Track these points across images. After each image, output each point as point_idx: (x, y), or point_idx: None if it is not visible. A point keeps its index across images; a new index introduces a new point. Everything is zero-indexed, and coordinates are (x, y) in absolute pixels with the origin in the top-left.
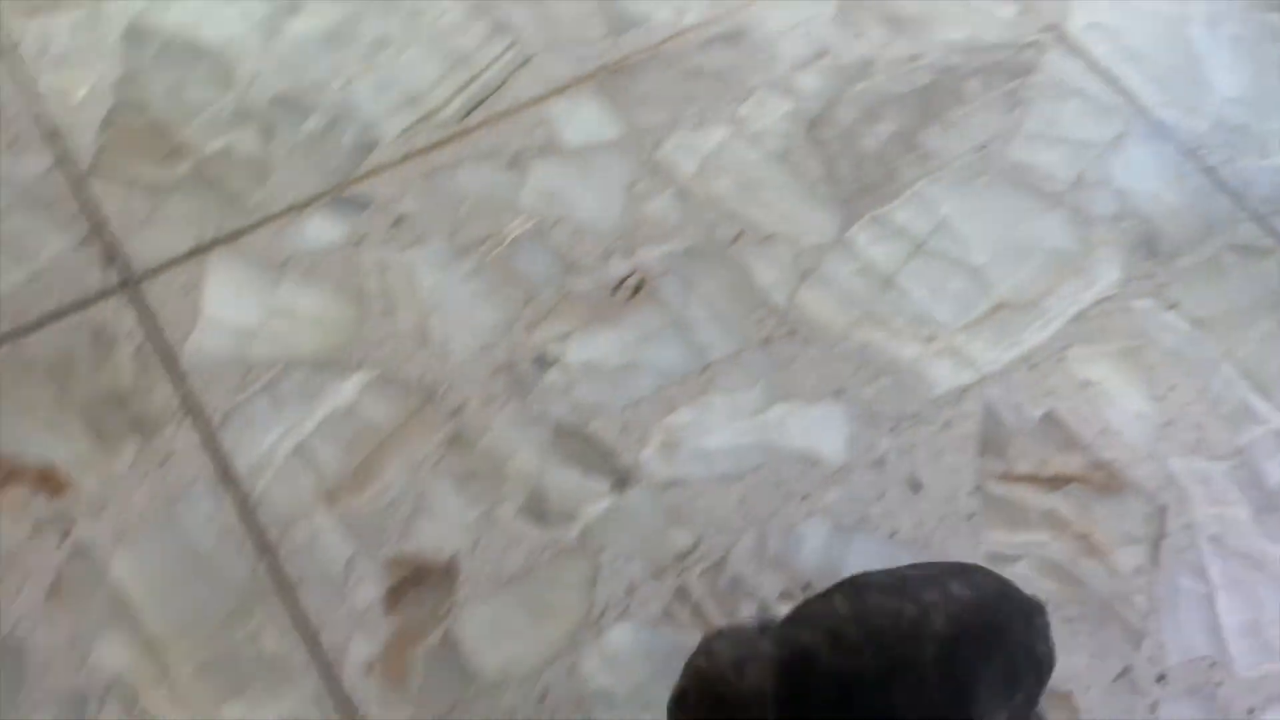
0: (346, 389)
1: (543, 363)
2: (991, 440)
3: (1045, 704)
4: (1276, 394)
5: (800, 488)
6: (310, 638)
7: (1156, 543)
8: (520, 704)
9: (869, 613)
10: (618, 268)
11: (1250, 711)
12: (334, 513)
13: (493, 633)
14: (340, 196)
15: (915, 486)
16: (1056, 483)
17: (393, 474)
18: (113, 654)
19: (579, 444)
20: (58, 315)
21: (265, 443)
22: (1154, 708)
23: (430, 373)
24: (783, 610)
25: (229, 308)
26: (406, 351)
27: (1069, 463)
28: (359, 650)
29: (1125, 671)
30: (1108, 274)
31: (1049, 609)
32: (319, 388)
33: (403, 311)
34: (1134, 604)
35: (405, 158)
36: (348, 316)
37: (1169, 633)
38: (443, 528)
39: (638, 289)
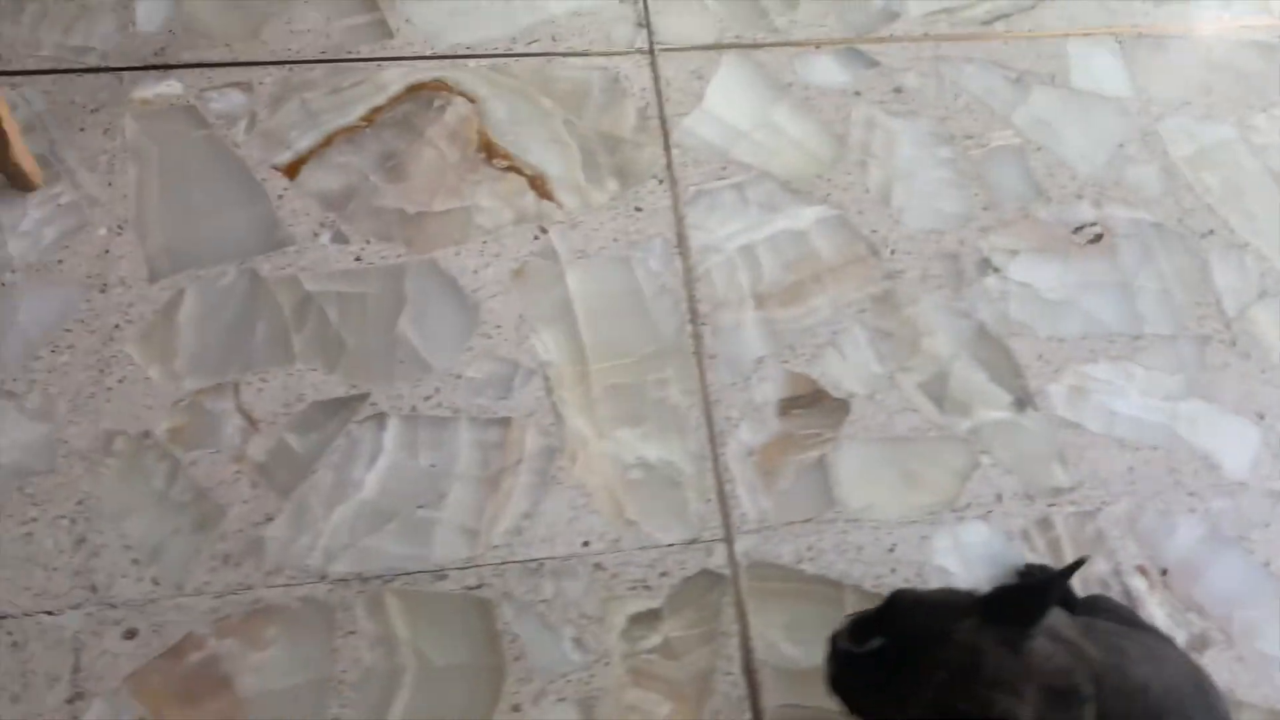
0: (805, 215)
1: (986, 266)
2: None
3: None
4: None
5: (1191, 484)
6: (708, 405)
7: None
8: (868, 545)
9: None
10: (1084, 212)
11: None
12: (760, 314)
13: (863, 476)
14: (855, 48)
15: None
16: None
17: (820, 303)
18: (549, 344)
19: (995, 352)
20: (587, 52)
21: (721, 232)
22: None
23: (881, 231)
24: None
25: (728, 105)
26: (867, 205)
27: None
28: (745, 435)
29: None
30: None
31: None
32: (782, 204)
33: (875, 169)
34: None
35: (924, 36)
36: (826, 154)
37: None
38: (848, 368)
39: (1097, 238)
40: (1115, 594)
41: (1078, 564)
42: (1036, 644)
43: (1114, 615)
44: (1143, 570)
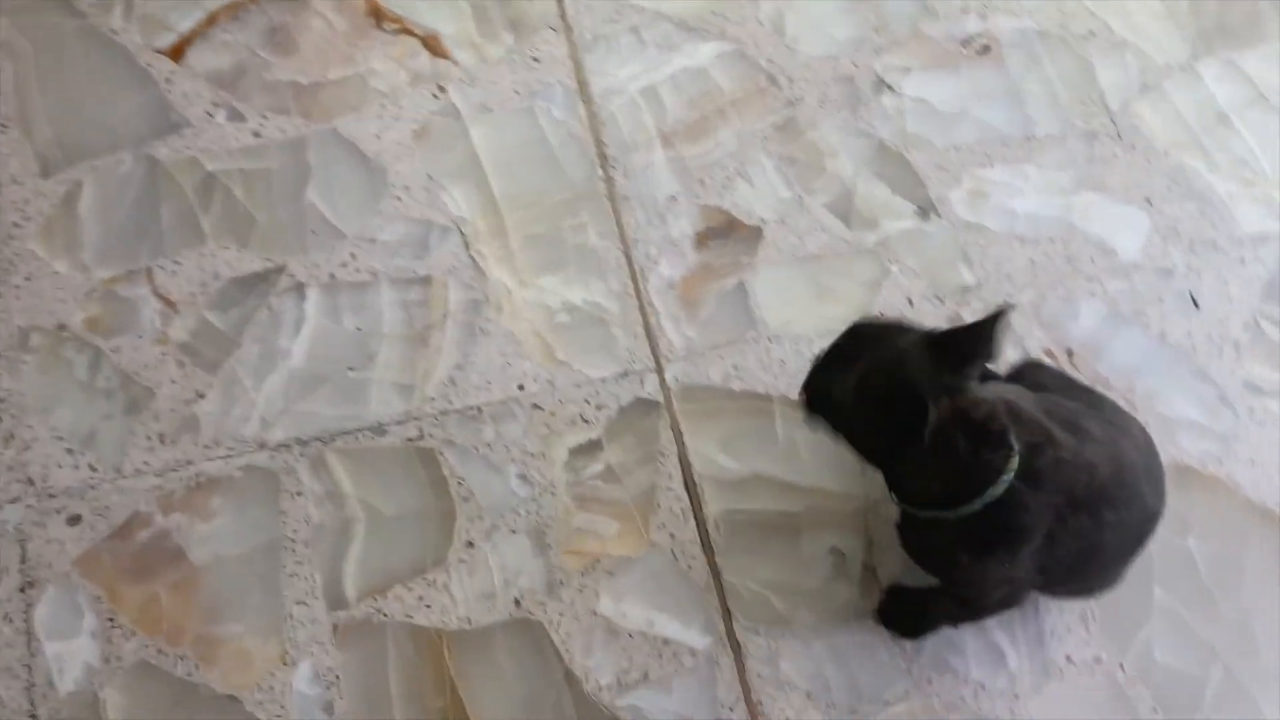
0: (703, 52)
1: (881, 86)
2: (1278, 288)
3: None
4: None
5: (1089, 270)
6: (626, 245)
7: None
8: (790, 358)
9: (1157, 466)
10: (972, 25)
11: None
12: (668, 152)
13: (780, 296)
14: None
15: (1194, 303)
16: None
17: (725, 137)
18: (460, 201)
19: (896, 166)
20: None
21: (622, 75)
22: None
23: (778, 61)
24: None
25: None
26: (762, 36)
27: None
28: (665, 269)
29: None
30: None
31: None
32: (679, 43)
33: (766, 2)
34: None
35: None
36: None
37: None
38: (757, 196)
39: (985, 49)
40: None
41: (1003, 311)
42: (970, 385)
43: (1060, 381)
44: (1050, 353)
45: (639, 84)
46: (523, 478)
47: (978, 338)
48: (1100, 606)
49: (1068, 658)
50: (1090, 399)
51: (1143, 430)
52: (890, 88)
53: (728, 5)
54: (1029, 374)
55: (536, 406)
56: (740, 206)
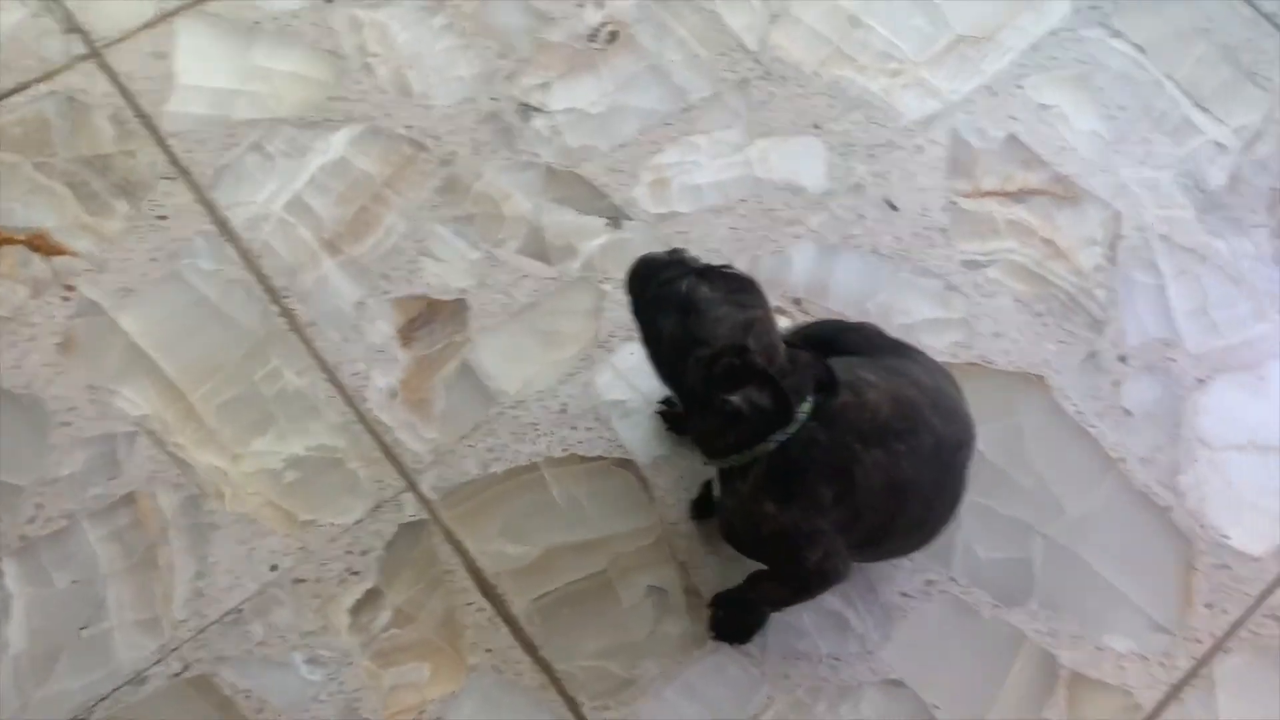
0: (335, 142)
1: (527, 111)
2: (959, 162)
3: (1016, 390)
4: (1213, 108)
5: (787, 214)
6: (330, 372)
7: (1113, 244)
8: (542, 418)
9: (946, 399)
10: (591, 17)
11: (1200, 381)
12: (337, 260)
13: (508, 359)
14: None
15: (892, 206)
16: (1021, 196)
17: (391, 220)
18: (135, 399)
19: (571, 186)
20: (24, 85)
21: (259, 198)
22: (1117, 383)
23: (417, 124)
24: None
25: (205, 71)
26: (390, 105)
27: (1031, 178)
28: (380, 381)
29: (1091, 355)
30: (1058, 8)
31: (1022, 309)
32: (307, 144)
33: (381, 68)
34: (1096, 297)
35: None
36: (327, 74)
37: (1128, 320)
38: (448, 268)
39: (613, 36)
40: None
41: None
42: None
43: (879, 340)
44: (780, 310)
45: (281, 200)
46: (312, 662)
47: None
48: None
49: (903, 594)
50: (887, 347)
51: (932, 368)
52: (537, 109)
53: (344, 84)
54: (827, 337)
55: (298, 580)
56: (434, 285)
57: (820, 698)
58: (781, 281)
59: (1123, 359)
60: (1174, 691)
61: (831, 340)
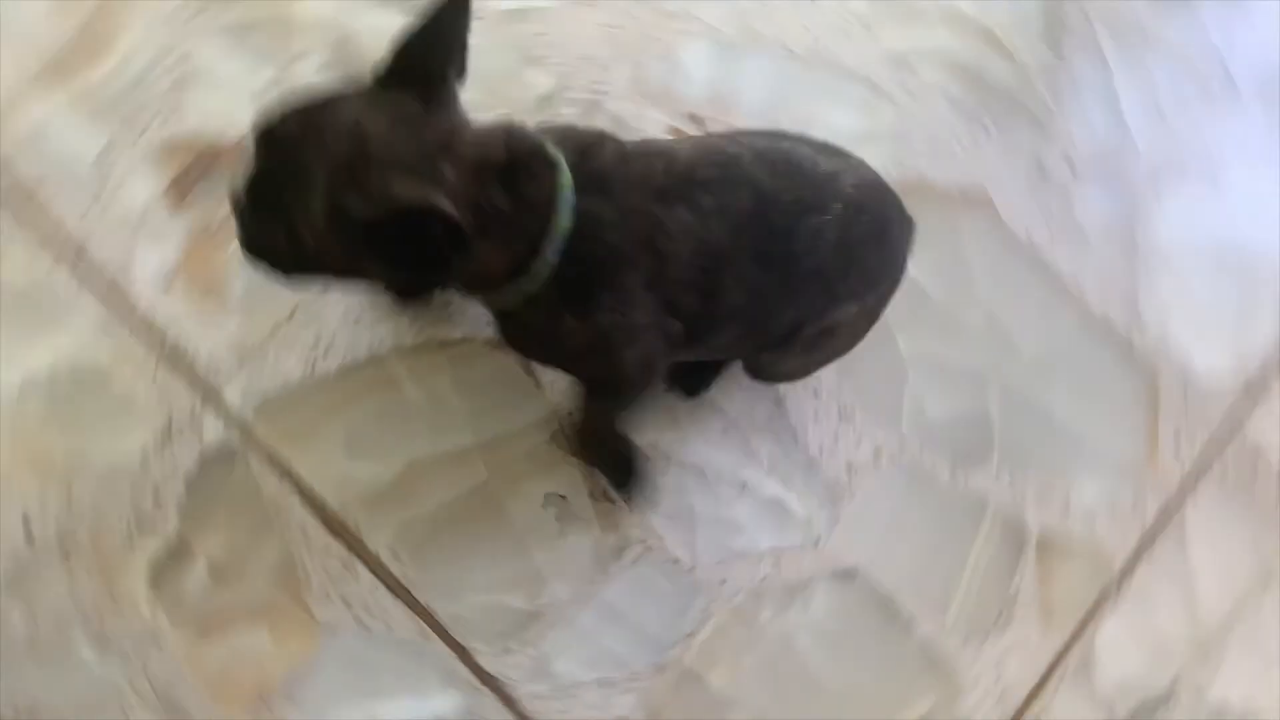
0: None
1: None
2: None
3: (959, 212)
4: None
5: (674, 7)
6: (74, 255)
7: (1057, 37)
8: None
9: (780, 153)
10: None
11: (1155, 195)
12: (63, 95)
13: None
14: None
15: None
16: None
17: (137, 36)
18: None
19: None
20: None
21: None
22: (1068, 197)
23: None
24: None
25: None
26: None
27: None
28: (148, 261)
29: (1038, 166)
30: None
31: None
32: None
33: None
34: (1039, 96)
35: None
36: None
37: (1075, 122)
38: (226, 97)
39: None
40: None
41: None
42: (459, 117)
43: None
44: (676, 131)
45: None
46: (100, 645)
47: (435, 47)
48: (854, 394)
49: (848, 466)
50: None
51: (772, 135)
52: None
53: None
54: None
55: (67, 546)
56: (210, 123)
57: (764, 602)
58: (673, 93)
59: (1072, 169)
60: (1146, 541)
61: None
